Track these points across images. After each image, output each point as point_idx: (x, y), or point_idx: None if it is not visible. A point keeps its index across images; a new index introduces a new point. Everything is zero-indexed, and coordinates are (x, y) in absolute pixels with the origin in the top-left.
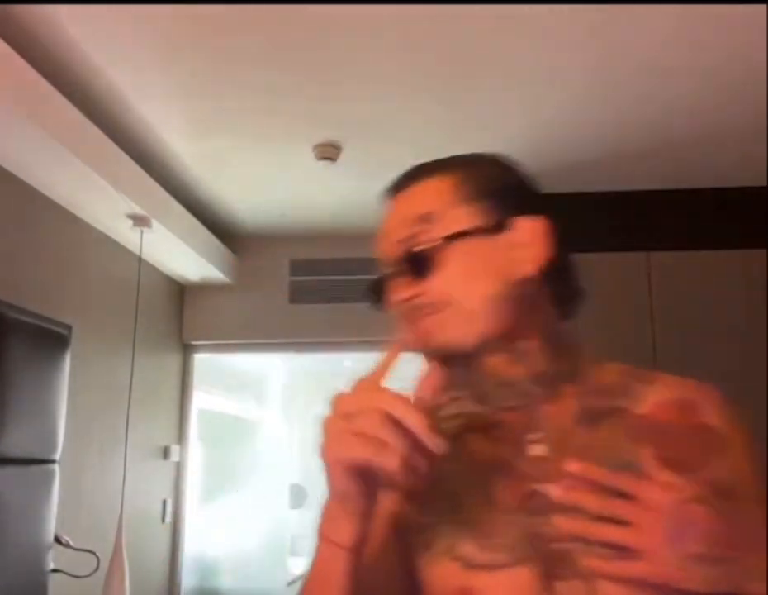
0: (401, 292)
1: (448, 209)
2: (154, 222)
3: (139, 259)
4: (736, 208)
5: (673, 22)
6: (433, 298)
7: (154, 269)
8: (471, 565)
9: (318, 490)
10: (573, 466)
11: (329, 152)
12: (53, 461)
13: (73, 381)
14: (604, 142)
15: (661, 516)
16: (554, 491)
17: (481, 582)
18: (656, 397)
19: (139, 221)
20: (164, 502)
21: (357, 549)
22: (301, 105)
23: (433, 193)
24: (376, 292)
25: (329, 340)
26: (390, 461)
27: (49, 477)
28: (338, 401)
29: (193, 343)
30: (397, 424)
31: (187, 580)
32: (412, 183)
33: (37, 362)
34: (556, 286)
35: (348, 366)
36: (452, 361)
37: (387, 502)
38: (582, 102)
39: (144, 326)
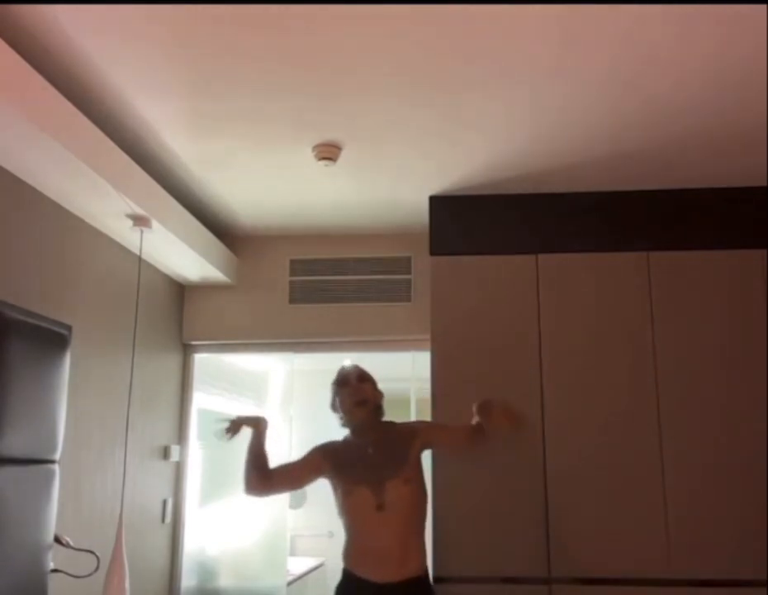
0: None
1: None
2: (154, 222)
3: (139, 259)
4: (736, 208)
5: (673, 22)
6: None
7: (154, 269)
8: None
9: (318, 490)
10: None
11: (329, 152)
12: (53, 461)
13: (73, 381)
14: (604, 142)
15: None
16: None
17: None
18: None
19: (139, 221)
20: (164, 502)
21: None
22: (301, 105)
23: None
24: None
25: (329, 340)
26: None
27: (49, 477)
28: None
29: (193, 343)
30: None
31: (187, 580)
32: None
33: (37, 362)
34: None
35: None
36: None
37: None
38: (582, 103)
39: (144, 326)
